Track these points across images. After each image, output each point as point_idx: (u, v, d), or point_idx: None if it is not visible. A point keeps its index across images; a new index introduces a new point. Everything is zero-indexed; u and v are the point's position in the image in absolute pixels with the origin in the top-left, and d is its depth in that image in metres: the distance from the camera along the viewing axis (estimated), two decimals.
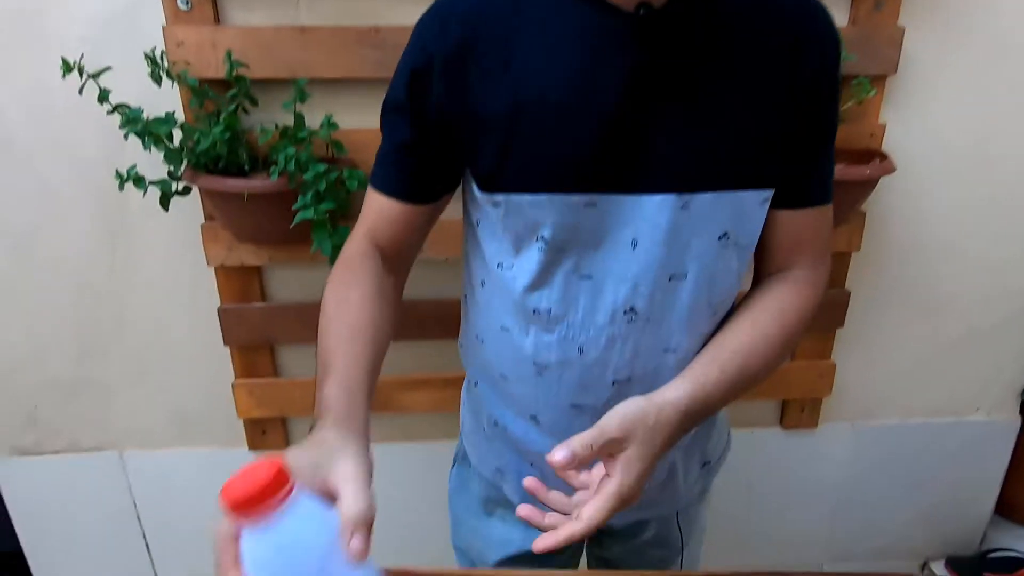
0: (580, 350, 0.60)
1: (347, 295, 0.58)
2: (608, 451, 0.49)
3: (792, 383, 1.27)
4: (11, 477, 1.26)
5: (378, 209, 0.62)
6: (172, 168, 0.93)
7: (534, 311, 0.60)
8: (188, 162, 0.93)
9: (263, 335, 1.16)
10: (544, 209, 0.55)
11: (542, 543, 0.47)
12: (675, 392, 0.53)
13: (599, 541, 0.85)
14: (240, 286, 1.13)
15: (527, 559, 0.76)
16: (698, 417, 0.54)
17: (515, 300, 0.61)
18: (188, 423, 1.24)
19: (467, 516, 0.82)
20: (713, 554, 0.84)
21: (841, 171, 0.96)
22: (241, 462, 1.34)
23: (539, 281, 0.59)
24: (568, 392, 0.63)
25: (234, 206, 0.95)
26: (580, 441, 0.47)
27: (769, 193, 0.58)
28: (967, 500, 1.46)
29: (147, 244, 1.10)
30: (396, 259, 0.65)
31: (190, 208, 1.06)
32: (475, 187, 0.59)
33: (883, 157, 1.05)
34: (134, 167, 0.90)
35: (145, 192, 0.91)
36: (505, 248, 0.60)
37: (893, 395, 1.33)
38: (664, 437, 0.51)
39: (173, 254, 1.11)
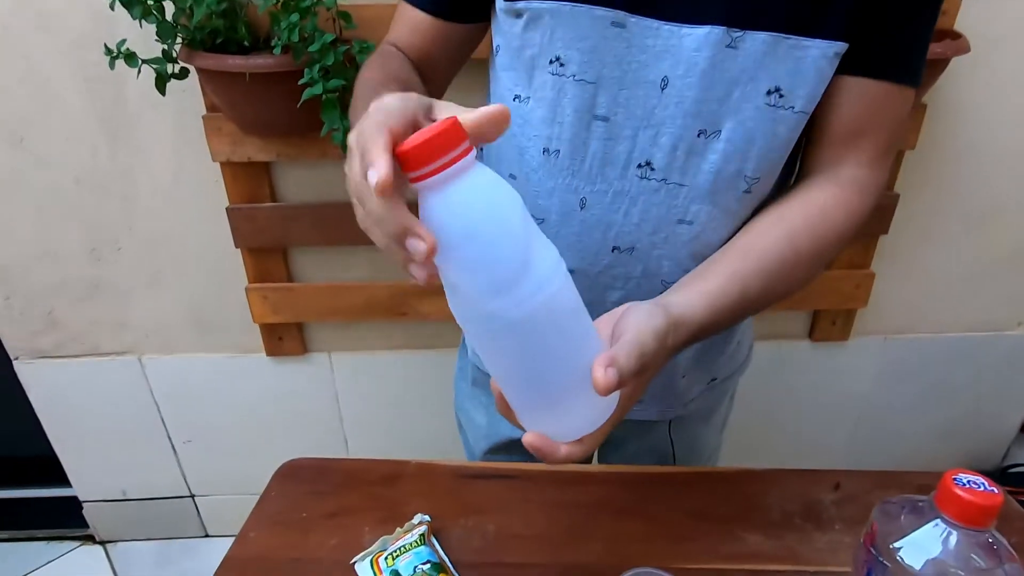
0: (582, 203, 0.55)
1: (385, 64, 0.55)
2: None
3: (826, 293, 1.21)
4: (35, 379, 1.27)
5: (407, 22, 0.59)
6: (167, 47, 0.85)
7: (543, 151, 0.55)
8: (183, 39, 0.85)
9: (275, 237, 1.12)
10: (565, 21, 0.49)
11: (532, 438, 0.40)
12: (691, 310, 0.46)
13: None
14: (249, 185, 1.08)
15: (520, 448, 0.73)
16: (698, 340, 0.48)
17: (524, 141, 0.56)
18: (205, 328, 1.23)
19: (462, 400, 0.80)
20: (724, 462, 0.83)
21: None
22: (259, 367, 1.30)
23: (550, 116, 0.53)
24: (563, 253, 0.57)
25: (236, 90, 0.88)
26: (628, 369, 0.38)
27: (841, 48, 0.49)
28: (993, 416, 1.44)
29: (148, 138, 1.04)
30: (425, 74, 0.59)
31: (191, 99, 0.99)
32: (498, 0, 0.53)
33: (956, 36, 0.93)
34: (123, 41, 0.82)
35: (139, 72, 0.84)
36: (521, 77, 0.54)
37: (933, 308, 1.27)
38: (668, 358, 0.45)
39: (176, 149, 1.05)
